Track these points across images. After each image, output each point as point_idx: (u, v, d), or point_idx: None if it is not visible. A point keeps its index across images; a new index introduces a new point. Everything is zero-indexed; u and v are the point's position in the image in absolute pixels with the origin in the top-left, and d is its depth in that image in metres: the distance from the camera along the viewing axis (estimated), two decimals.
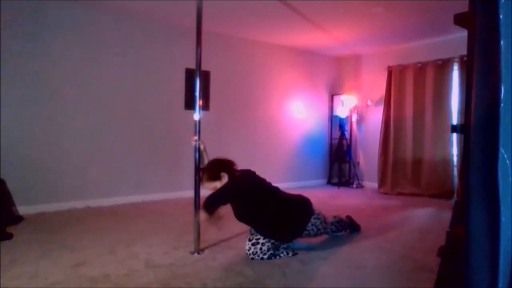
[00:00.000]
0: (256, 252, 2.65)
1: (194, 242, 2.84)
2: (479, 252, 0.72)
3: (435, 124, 5.51)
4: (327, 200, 5.27)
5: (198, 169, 2.88)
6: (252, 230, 2.82)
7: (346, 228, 3.28)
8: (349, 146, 6.61)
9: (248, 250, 2.67)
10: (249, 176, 2.80)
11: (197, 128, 2.88)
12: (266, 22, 5.00)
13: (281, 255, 2.73)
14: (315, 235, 2.95)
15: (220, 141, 5.45)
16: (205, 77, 5.18)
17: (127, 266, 2.52)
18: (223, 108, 5.51)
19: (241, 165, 2.94)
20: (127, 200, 4.69)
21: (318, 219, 2.92)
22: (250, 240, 2.71)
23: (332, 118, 6.90)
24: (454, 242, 1.68)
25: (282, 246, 2.83)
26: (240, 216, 2.80)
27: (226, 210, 2.76)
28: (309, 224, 2.86)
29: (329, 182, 6.84)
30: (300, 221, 2.83)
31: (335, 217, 3.20)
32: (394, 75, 5.99)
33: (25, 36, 4.02)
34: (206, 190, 2.76)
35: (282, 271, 2.47)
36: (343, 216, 3.39)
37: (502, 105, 0.65)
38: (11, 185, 3.82)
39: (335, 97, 6.84)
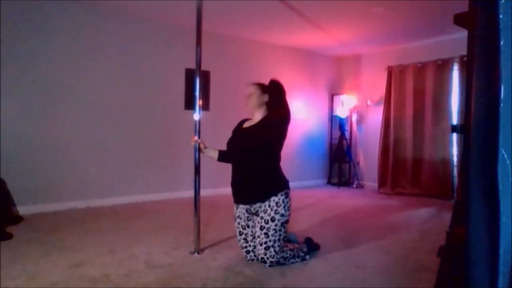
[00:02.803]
0: (253, 259, 2.66)
1: (194, 242, 2.84)
2: (479, 252, 0.72)
3: (435, 124, 5.51)
4: (327, 200, 5.27)
5: (198, 169, 2.88)
6: (242, 234, 2.68)
7: (298, 255, 2.69)
8: (349, 146, 6.61)
9: (250, 258, 2.68)
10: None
11: (197, 128, 2.89)
12: (266, 22, 5.00)
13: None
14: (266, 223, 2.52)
15: (220, 141, 5.44)
16: (205, 77, 5.18)
17: (127, 266, 2.52)
18: (223, 108, 5.51)
19: None
20: (127, 200, 4.69)
21: (283, 217, 2.53)
22: (243, 248, 2.69)
23: (332, 118, 6.90)
24: (454, 242, 1.68)
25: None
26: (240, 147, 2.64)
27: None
28: (272, 202, 2.52)
29: (329, 182, 6.84)
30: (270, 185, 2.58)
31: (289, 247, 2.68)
32: (394, 75, 5.99)
33: (25, 36, 4.01)
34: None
35: (282, 271, 2.47)
36: (302, 239, 2.93)
37: (502, 105, 0.65)
38: (11, 185, 3.82)
39: (335, 97, 6.85)
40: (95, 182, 4.50)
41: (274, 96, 2.68)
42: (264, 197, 2.56)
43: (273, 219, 2.52)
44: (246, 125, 2.77)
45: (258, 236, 2.56)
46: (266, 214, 2.54)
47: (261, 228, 2.54)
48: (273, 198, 2.54)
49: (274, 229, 2.52)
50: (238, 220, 2.71)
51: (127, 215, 4.07)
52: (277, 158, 2.68)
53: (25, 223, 3.63)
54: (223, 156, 2.78)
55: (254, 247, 2.64)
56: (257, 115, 2.73)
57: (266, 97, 2.70)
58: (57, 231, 3.37)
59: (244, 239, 2.68)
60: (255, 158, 2.58)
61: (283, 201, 2.56)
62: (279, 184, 2.60)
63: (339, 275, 2.45)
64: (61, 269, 2.44)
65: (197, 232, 2.83)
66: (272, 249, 2.51)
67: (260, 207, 2.58)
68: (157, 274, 2.39)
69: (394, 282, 2.35)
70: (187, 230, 3.23)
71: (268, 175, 2.60)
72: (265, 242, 2.52)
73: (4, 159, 3.84)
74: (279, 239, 2.54)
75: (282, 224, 2.55)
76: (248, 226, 2.67)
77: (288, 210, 2.59)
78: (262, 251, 2.53)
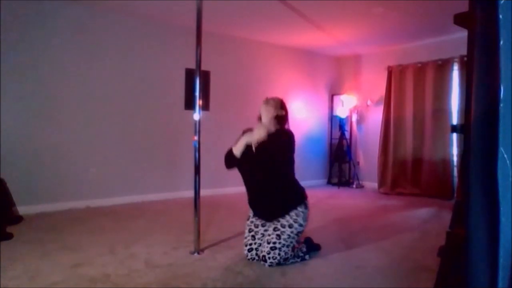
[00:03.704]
0: (253, 257, 2.66)
1: (194, 242, 2.84)
2: (479, 252, 0.72)
3: (435, 124, 5.51)
4: (327, 200, 5.27)
5: (198, 169, 2.88)
6: (252, 231, 2.73)
7: (303, 254, 2.71)
8: (349, 146, 6.61)
9: (250, 257, 2.67)
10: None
11: (197, 128, 2.88)
12: (266, 22, 5.00)
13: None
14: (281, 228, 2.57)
15: (220, 141, 5.44)
16: (205, 77, 5.18)
17: (127, 266, 2.52)
18: (223, 108, 5.51)
19: None
20: (127, 200, 4.69)
21: (301, 227, 2.60)
22: (248, 244, 2.70)
23: (332, 118, 6.90)
24: (454, 242, 1.67)
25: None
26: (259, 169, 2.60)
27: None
28: (292, 213, 2.58)
29: (329, 182, 6.84)
30: (293, 201, 2.63)
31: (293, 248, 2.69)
32: (394, 75, 5.99)
33: (25, 36, 4.02)
34: (264, 114, 2.67)
35: (282, 271, 2.47)
36: (302, 239, 2.88)
37: (502, 105, 0.65)
38: (11, 185, 3.81)
39: (335, 97, 6.85)
40: (95, 182, 4.50)
41: (286, 115, 2.75)
42: (284, 213, 2.61)
43: (290, 226, 2.58)
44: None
45: (269, 235, 2.59)
46: (285, 220, 2.60)
47: (275, 229, 2.59)
48: (293, 211, 2.60)
49: (288, 235, 2.57)
50: (252, 219, 2.76)
51: (127, 215, 4.07)
52: (293, 171, 2.73)
53: (25, 223, 3.63)
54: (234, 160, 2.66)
55: (259, 245, 2.65)
56: (267, 123, 2.69)
57: (281, 112, 2.71)
58: (57, 231, 3.37)
59: (253, 236, 2.70)
60: (271, 176, 2.60)
61: (302, 212, 2.63)
62: (297, 198, 2.66)
63: (339, 275, 2.45)
64: (61, 269, 2.44)
65: (197, 232, 2.83)
66: (277, 251, 2.52)
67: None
68: (157, 274, 2.39)
69: (394, 282, 2.35)
70: (187, 230, 3.22)
71: (285, 192, 2.65)
72: (274, 243, 2.54)
73: (4, 159, 3.83)
74: (288, 246, 2.56)
75: (297, 233, 2.61)
76: (263, 225, 2.71)
77: (306, 220, 2.65)
78: (267, 249, 2.53)
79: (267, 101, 2.73)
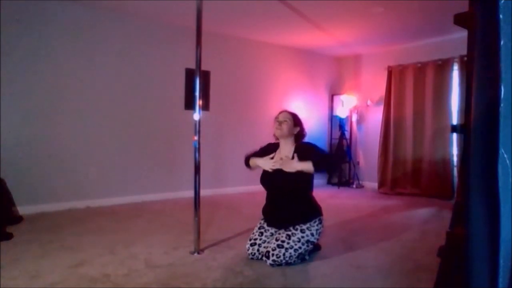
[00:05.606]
0: (254, 253, 2.66)
1: (194, 242, 2.84)
2: (479, 252, 0.72)
3: (435, 124, 5.51)
4: (327, 200, 5.26)
5: (198, 169, 2.88)
6: (262, 229, 2.75)
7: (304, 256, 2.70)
8: (349, 146, 6.61)
9: (251, 252, 2.68)
10: None
11: (197, 128, 2.88)
12: (266, 22, 5.00)
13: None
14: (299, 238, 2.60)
15: (220, 141, 5.45)
16: (205, 77, 5.18)
17: (127, 266, 2.52)
18: (223, 108, 5.51)
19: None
20: (127, 200, 4.69)
21: (312, 237, 2.62)
22: (253, 239, 2.70)
23: (332, 118, 6.90)
24: (454, 242, 1.67)
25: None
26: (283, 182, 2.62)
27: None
28: (306, 225, 2.62)
29: (329, 182, 6.84)
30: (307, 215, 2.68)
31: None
32: (394, 75, 5.99)
33: (25, 36, 4.02)
34: (280, 132, 2.70)
35: (282, 271, 2.46)
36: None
37: (502, 105, 0.65)
38: (11, 185, 3.82)
39: (335, 97, 6.85)
40: (94, 182, 4.50)
41: (302, 131, 2.81)
42: (296, 225, 2.62)
43: (302, 231, 2.60)
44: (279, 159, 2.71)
45: (279, 233, 2.61)
46: (298, 226, 2.61)
47: (287, 230, 2.61)
48: (306, 224, 2.63)
49: (298, 238, 2.57)
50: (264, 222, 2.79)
51: (126, 215, 4.07)
52: (311, 189, 2.77)
53: (25, 223, 3.63)
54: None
55: (264, 242, 2.65)
56: (286, 147, 2.75)
57: (296, 130, 2.76)
58: (57, 231, 3.37)
59: (261, 233, 2.71)
60: (292, 193, 2.64)
61: (317, 225, 2.65)
62: (313, 214, 2.68)
63: (339, 275, 2.45)
64: (61, 269, 2.44)
65: (197, 232, 2.83)
66: (283, 250, 2.51)
67: None
68: (157, 274, 2.39)
69: (394, 282, 2.35)
70: (187, 230, 3.23)
71: (300, 208, 2.66)
72: (283, 241, 2.54)
73: (4, 159, 3.83)
74: (295, 250, 2.54)
75: (307, 242, 2.60)
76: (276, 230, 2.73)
77: (318, 235, 2.67)
78: (274, 245, 2.53)
79: (281, 124, 2.71)
